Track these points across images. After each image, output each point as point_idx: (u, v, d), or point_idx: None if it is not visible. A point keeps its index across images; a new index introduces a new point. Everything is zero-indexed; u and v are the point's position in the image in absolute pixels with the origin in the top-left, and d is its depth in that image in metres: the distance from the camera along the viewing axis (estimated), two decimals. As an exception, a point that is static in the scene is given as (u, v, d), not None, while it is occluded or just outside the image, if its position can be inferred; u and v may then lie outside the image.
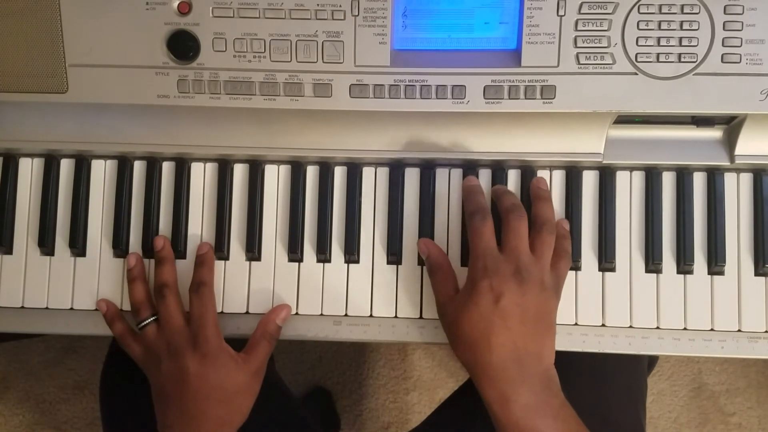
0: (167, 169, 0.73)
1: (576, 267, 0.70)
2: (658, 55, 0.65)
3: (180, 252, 0.71)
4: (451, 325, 0.64)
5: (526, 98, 0.66)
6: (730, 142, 0.69)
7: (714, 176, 0.70)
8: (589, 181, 0.71)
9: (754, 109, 0.65)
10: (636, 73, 0.65)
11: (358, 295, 0.71)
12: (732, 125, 0.69)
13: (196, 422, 0.65)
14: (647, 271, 0.70)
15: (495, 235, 0.65)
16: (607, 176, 0.71)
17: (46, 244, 0.72)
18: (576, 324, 0.70)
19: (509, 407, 0.59)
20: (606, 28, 0.65)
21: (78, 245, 0.72)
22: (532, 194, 0.69)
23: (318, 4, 0.66)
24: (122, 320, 0.71)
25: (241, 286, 0.71)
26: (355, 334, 0.71)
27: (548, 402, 0.60)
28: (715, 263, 0.69)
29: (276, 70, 0.67)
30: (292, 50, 0.66)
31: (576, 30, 0.65)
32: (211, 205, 0.72)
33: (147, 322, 0.69)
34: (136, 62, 0.67)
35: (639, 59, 0.65)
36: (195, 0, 0.66)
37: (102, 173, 0.73)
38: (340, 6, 0.66)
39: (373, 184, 0.72)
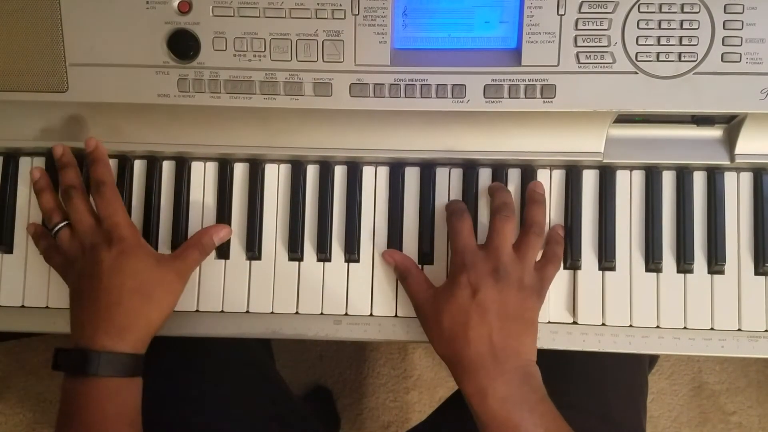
0: (167, 168, 0.73)
1: (576, 266, 0.70)
2: (658, 54, 0.65)
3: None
4: (430, 321, 0.65)
5: (526, 97, 0.66)
6: (730, 141, 0.69)
7: (714, 175, 0.70)
8: (590, 181, 0.71)
9: (754, 108, 0.65)
10: (636, 72, 0.65)
11: (359, 294, 0.71)
12: (732, 124, 0.69)
13: (109, 313, 0.63)
14: (647, 270, 0.70)
15: (474, 233, 0.67)
16: (607, 175, 0.70)
17: (46, 243, 0.72)
18: (576, 323, 0.70)
19: (486, 400, 0.60)
20: (606, 27, 0.65)
21: (78, 244, 0.72)
22: (527, 197, 0.70)
23: (318, 3, 0.66)
24: (48, 238, 0.70)
25: (241, 285, 0.71)
26: (355, 334, 0.71)
27: (525, 396, 0.60)
28: (715, 262, 0.69)
29: (276, 69, 0.67)
30: (293, 49, 0.66)
31: (576, 29, 0.65)
32: (211, 205, 0.72)
33: (60, 226, 0.68)
34: (137, 61, 0.67)
35: (639, 58, 0.65)
36: (195, -1, 0.66)
37: (102, 172, 0.73)
38: (341, 5, 0.66)
39: (374, 184, 0.72)
